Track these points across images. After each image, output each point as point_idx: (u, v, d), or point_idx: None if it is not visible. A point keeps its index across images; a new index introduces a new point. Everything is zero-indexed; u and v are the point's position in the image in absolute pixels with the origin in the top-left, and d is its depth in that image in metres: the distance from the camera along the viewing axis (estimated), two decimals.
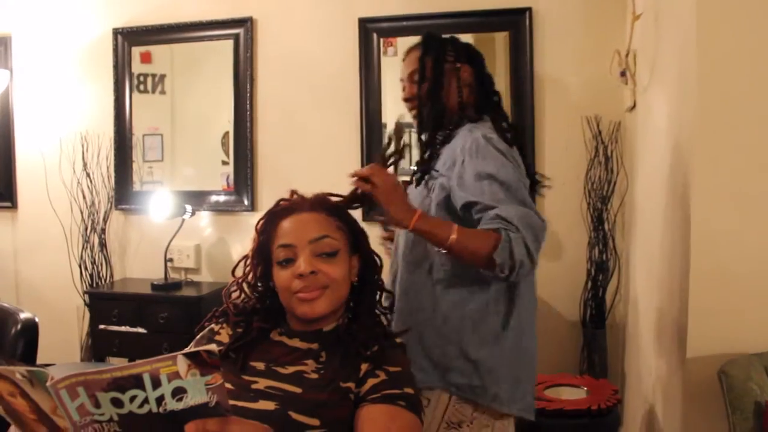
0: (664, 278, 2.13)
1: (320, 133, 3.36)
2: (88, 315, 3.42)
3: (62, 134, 3.68)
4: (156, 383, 0.88)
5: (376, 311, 1.44)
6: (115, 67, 3.65)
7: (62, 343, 3.64)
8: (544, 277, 3.08)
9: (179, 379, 0.88)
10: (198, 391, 0.89)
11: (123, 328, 3.22)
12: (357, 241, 1.43)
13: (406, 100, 1.91)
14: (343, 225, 1.41)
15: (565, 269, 3.09)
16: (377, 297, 1.45)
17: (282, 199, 1.46)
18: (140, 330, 3.19)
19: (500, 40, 3.18)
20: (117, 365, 0.89)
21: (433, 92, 1.82)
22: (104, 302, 3.32)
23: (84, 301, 3.52)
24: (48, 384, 0.87)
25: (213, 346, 0.90)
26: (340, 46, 3.33)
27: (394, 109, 3.31)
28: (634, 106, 2.75)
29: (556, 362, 3.06)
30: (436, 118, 1.82)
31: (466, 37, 3.18)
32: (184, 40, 3.56)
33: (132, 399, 0.88)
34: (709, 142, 1.78)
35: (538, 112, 3.11)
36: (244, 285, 1.45)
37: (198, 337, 1.47)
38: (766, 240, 1.77)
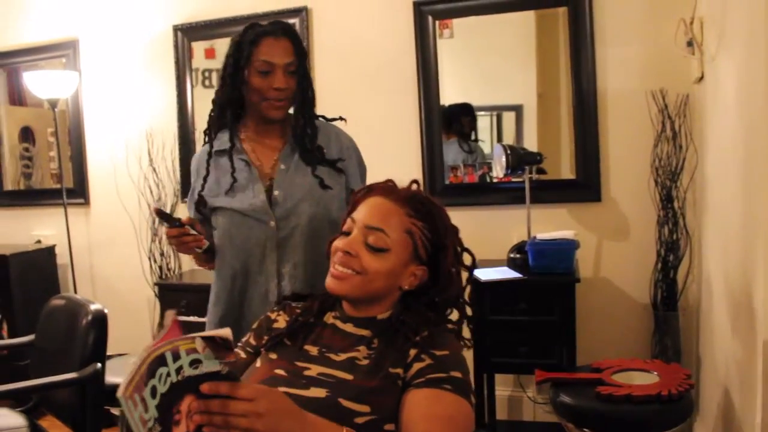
0: (740, 257, 2.03)
1: (379, 119, 3.34)
2: (158, 306, 3.51)
3: (129, 131, 3.79)
4: (176, 357, 0.94)
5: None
6: (177, 63, 3.73)
7: (135, 334, 3.75)
8: (611, 258, 3.04)
9: (196, 353, 0.94)
10: (212, 362, 0.95)
11: (191, 318, 3.29)
12: (430, 255, 1.36)
13: (279, 90, 1.78)
14: (418, 232, 1.35)
15: (633, 250, 2.99)
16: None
17: (389, 180, 1.43)
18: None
19: (561, 15, 3.08)
20: (145, 353, 0.95)
21: (309, 90, 1.87)
22: (173, 293, 3.40)
23: (154, 292, 3.62)
24: (119, 395, 0.94)
25: (227, 332, 0.95)
26: (396, 31, 3.30)
27: (453, 92, 3.28)
28: (701, 78, 2.62)
29: (627, 346, 2.97)
30: (312, 114, 1.89)
31: (527, 15, 3.17)
32: None
33: (159, 377, 0.95)
34: None
35: (601, 89, 3.00)
36: None
37: (255, 326, 1.48)
38: None
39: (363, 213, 1.35)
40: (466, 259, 1.43)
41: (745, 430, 1.93)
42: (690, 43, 2.58)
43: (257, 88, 1.78)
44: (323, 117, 1.96)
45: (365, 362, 1.27)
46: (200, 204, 1.88)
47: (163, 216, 1.74)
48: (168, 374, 0.94)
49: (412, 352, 1.26)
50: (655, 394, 2.16)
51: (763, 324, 1.74)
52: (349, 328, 1.36)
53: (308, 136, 1.86)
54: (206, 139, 1.92)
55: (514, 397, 3.23)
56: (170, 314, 1.06)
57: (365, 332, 1.33)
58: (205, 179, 1.87)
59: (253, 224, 1.81)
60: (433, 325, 1.31)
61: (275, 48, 1.77)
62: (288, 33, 1.80)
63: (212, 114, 1.90)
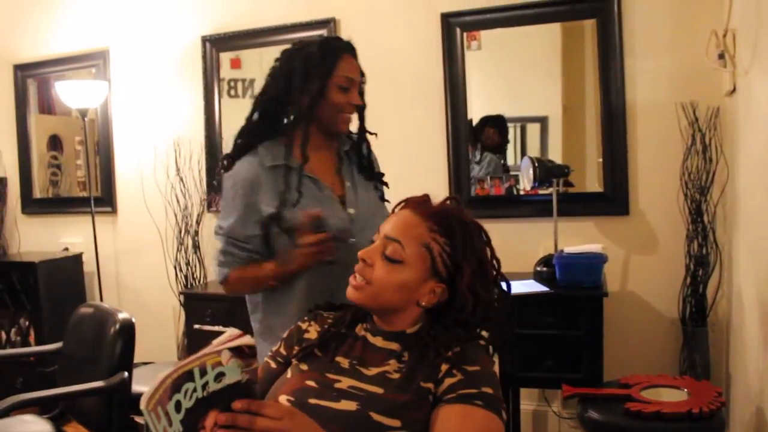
0: None
1: (407, 130, 3.34)
2: (183, 315, 3.53)
3: (156, 141, 3.83)
4: (203, 373, 0.96)
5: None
6: (205, 73, 3.77)
7: (161, 343, 3.78)
8: (639, 272, 3.00)
9: (221, 366, 0.97)
10: (234, 372, 0.97)
11: (216, 328, 3.30)
12: (449, 272, 1.32)
13: (354, 106, 1.83)
14: (438, 248, 1.31)
15: (661, 264, 2.96)
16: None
17: (425, 194, 1.40)
18: (234, 330, 3.25)
19: (588, 28, 3.07)
20: (172, 368, 0.96)
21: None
22: (198, 302, 3.41)
23: (179, 301, 3.64)
24: (141, 407, 0.94)
25: (250, 339, 0.99)
26: (424, 43, 3.30)
27: (479, 104, 3.27)
28: (734, 90, 2.58)
29: (655, 362, 2.93)
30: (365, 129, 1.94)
31: (552, 27, 3.16)
32: (269, 44, 3.61)
33: (185, 393, 0.96)
34: None
35: (630, 101, 2.98)
36: None
37: (285, 336, 1.48)
38: None
39: (388, 224, 1.35)
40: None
41: None
42: (722, 56, 2.55)
43: (336, 102, 1.77)
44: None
45: (396, 376, 1.26)
46: (276, 221, 1.74)
47: (317, 224, 1.66)
48: (194, 390, 0.96)
49: (444, 367, 1.24)
50: (685, 411, 2.12)
51: None
52: (378, 341, 1.34)
53: (366, 151, 1.91)
54: (239, 148, 1.81)
55: (539, 412, 3.19)
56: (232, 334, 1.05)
57: (394, 346, 1.32)
58: (283, 195, 1.75)
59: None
60: (464, 342, 1.30)
61: (353, 65, 1.81)
62: (355, 53, 1.85)
63: (256, 123, 1.83)
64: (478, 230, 1.37)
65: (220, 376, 0.96)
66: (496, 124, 3.28)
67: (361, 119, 1.91)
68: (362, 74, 1.85)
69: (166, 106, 3.89)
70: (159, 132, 3.86)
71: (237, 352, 0.97)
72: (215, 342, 0.99)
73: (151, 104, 3.93)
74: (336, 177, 1.85)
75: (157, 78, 3.91)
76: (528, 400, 3.17)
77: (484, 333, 1.38)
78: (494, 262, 1.37)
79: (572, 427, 3.05)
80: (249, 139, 1.82)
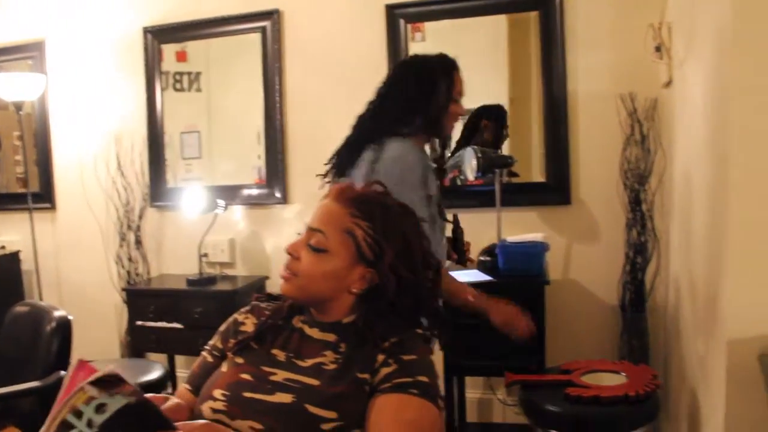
0: (706, 259, 2.05)
1: (350, 122, 3.31)
2: (126, 312, 3.46)
3: (96, 135, 3.74)
4: (78, 414, 0.92)
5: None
6: (146, 65, 3.69)
7: (103, 340, 3.70)
8: (580, 261, 3.06)
9: (95, 399, 0.93)
10: (116, 400, 0.94)
11: (160, 324, 3.25)
12: (375, 255, 1.30)
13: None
14: (361, 233, 1.30)
15: (602, 252, 3.02)
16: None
17: (349, 182, 1.46)
18: (176, 325, 3.21)
19: (533, 19, 3.10)
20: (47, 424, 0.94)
21: None
22: (141, 299, 3.36)
23: (122, 298, 3.57)
24: None
25: (111, 368, 0.96)
26: (368, 34, 3.29)
27: None
28: (670, 82, 2.64)
29: (596, 348, 2.99)
30: None
31: (498, 19, 3.18)
32: (211, 35, 3.57)
33: None
34: (747, 118, 1.69)
35: (571, 92, 3.03)
36: None
37: (222, 329, 1.46)
38: None
39: (311, 216, 1.34)
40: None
41: (710, 430, 1.95)
42: (658, 48, 2.60)
43: (455, 112, 2.01)
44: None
45: (332, 367, 1.26)
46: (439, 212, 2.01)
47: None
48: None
49: (380, 357, 1.24)
50: (622, 394, 2.17)
51: (727, 325, 1.76)
52: (315, 333, 1.33)
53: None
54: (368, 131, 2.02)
55: (484, 400, 3.23)
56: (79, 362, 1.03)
57: (331, 337, 1.31)
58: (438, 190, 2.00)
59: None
60: (401, 332, 1.29)
61: (462, 80, 2.03)
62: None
63: (374, 120, 2.03)
64: (404, 212, 1.36)
65: (101, 408, 0.93)
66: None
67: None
68: None
69: (107, 99, 3.79)
70: (99, 126, 3.77)
71: (101, 384, 0.94)
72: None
73: (90, 97, 3.82)
74: None
75: (97, 70, 3.80)
76: (473, 389, 3.20)
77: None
78: (423, 243, 1.36)
79: (517, 414, 3.09)
80: (373, 128, 2.00)
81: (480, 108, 3.16)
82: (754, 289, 1.71)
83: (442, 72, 1.98)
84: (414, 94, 1.96)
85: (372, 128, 1.99)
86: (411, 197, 1.75)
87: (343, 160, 2.01)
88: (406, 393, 1.18)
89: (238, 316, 1.46)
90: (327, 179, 2.03)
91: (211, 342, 1.45)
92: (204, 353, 1.44)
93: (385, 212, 1.32)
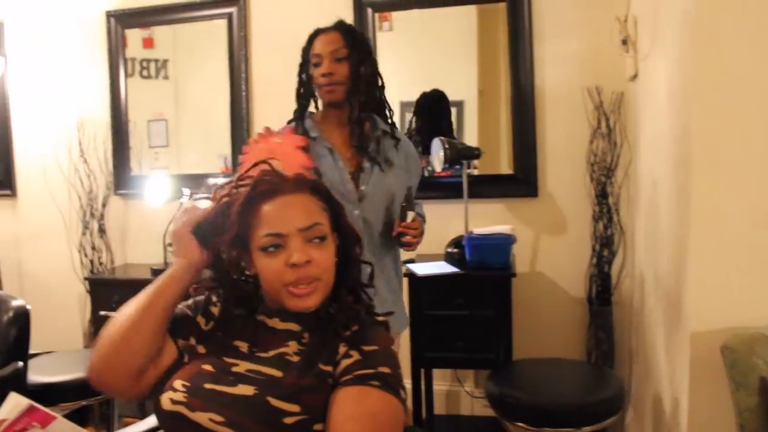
0: (667, 252, 2.07)
1: None
2: (89, 301, 3.40)
3: (58, 121, 3.65)
4: None
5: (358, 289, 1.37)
6: (109, 50, 3.60)
7: (66, 331, 3.63)
8: (547, 253, 3.07)
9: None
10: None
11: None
12: (337, 217, 1.34)
13: (325, 76, 1.97)
14: (325, 205, 1.33)
15: (569, 245, 3.03)
16: (358, 274, 1.37)
17: (261, 180, 1.31)
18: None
19: (500, 11, 3.09)
20: None
21: (366, 79, 2.00)
22: (105, 288, 3.29)
23: (85, 287, 3.50)
24: None
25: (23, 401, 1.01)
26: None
27: (394, 87, 3.22)
28: (635, 76, 2.66)
29: (563, 341, 3.01)
30: (370, 103, 2.05)
31: (467, 9, 3.16)
32: (176, 21, 3.50)
33: None
34: (707, 111, 1.72)
35: (539, 85, 3.03)
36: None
37: (199, 297, 1.38)
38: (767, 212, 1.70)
39: (282, 221, 1.26)
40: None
41: (675, 421, 1.97)
42: (625, 42, 2.62)
43: (314, 78, 1.99)
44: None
45: (296, 359, 1.24)
46: None
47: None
48: None
49: (342, 348, 1.22)
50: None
51: (690, 318, 1.78)
52: (276, 323, 1.30)
53: (361, 126, 2.01)
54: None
55: (452, 392, 3.24)
56: (17, 402, 1.01)
57: (294, 326, 1.29)
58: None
59: None
60: (361, 320, 1.28)
61: (323, 40, 1.98)
62: (338, 27, 2.01)
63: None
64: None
65: None
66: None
67: (354, 89, 1.98)
68: (350, 46, 1.96)
69: (69, 85, 3.68)
70: (61, 111, 3.67)
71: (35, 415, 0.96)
72: (3, 413, 0.98)
73: (51, 82, 3.71)
74: (352, 154, 2.02)
75: (58, 54, 3.69)
76: (441, 381, 3.20)
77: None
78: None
79: (485, 406, 3.11)
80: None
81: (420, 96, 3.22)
82: (716, 284, 1.74)
83: (303, 50, 2.04)
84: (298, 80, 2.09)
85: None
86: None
87: None
88: (366, 385, 1.16)
89: (213, 295, 1.36)
90: None
91: (189, 301, 1.37)
92: (184, 306, 1.35)
93: (317, 183, 1.37)
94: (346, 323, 1.26)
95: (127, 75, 3.61)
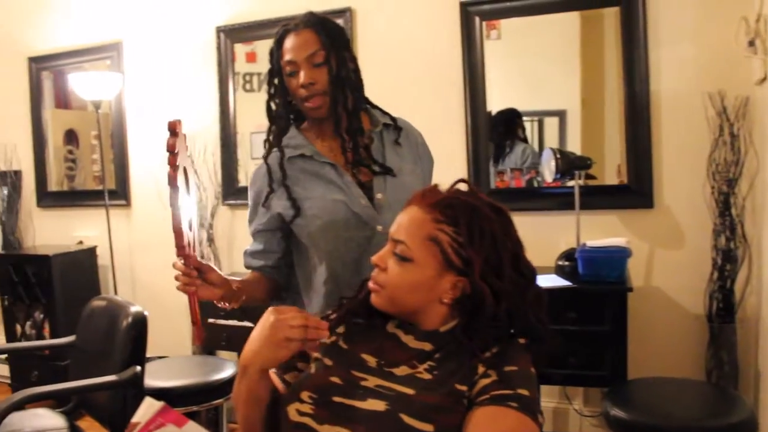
0: None
1: (425, 122, 3.21)
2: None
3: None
4: None
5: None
6: (219, 65, 3.72)
7: (175, 337, 3.74)
8: (664, 267, 2.92)
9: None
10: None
11: (231, 322, 3.27)
12: (464, 263, 1.21)
13: (305, 87, 1.61)
14: (447, 238, 1.21)
15: (687, 258, 2.87)
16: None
17: (435, 185, 1.31)
18: (247, 324, 3.22)
19: (610, 16, 2.98)
20: None
21: (348, 82, 1.66)
22: None
23: None
24: None
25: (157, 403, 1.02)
26: (442, 32, 3.23)
27: (499, 95, 3.19)
28: (765, 79, 2.50)
29: (680, 360, 2.86)
30: (356, 108, 1.71)
31: (571, 16, 3.07)
32: None
33: None
34: None
35: (654, 91, 2.89)
36: None
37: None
38: None
39: (394, 224, 1.27)
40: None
41: None
42: (752, 43, 2.46)
43: (291, 91, 1.64)
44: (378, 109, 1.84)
45: (427, 376, 1.19)
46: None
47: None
48: None
49: (480, 368, 1.17)
50: None
51: None
52: (410, 341, 1.26)
53: (357, 132, 1.68)
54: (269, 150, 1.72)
55: (559, 409, 3.12)
56: (151, 403, 1.02)
57: (427, 346, 1.24)
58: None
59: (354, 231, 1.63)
60: (501, 342, 1.22)
61: (295, 43, 1.60)
62: (309, 23, 1.62)
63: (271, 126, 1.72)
64: (495, 213, 1.24)
65: None
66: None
67: (338, 96, 1.64)
68: (327, 46, 1.60)
69: (181, 99, 3.84)
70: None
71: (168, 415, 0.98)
72: (138, 416, 0.99)
73: (165, 97, 3.88)
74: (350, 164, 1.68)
75: (171, 70, 3.86)
76: (548, 397, 3.09)
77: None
78: (514, 247, 1.25)
79: (594, 426, 2.98)
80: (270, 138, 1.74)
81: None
82: None
83: (270, 53, 1.67)
84: (268, 89, 1.71)
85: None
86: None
87: None
88: (503, 405, 1.10)
89: (329, 313, 1.38)
90: None
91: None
92: None
93: (471, 215, 1.21)
94: (485, 345, 1.20)
95: (235, 89, 3.71)
